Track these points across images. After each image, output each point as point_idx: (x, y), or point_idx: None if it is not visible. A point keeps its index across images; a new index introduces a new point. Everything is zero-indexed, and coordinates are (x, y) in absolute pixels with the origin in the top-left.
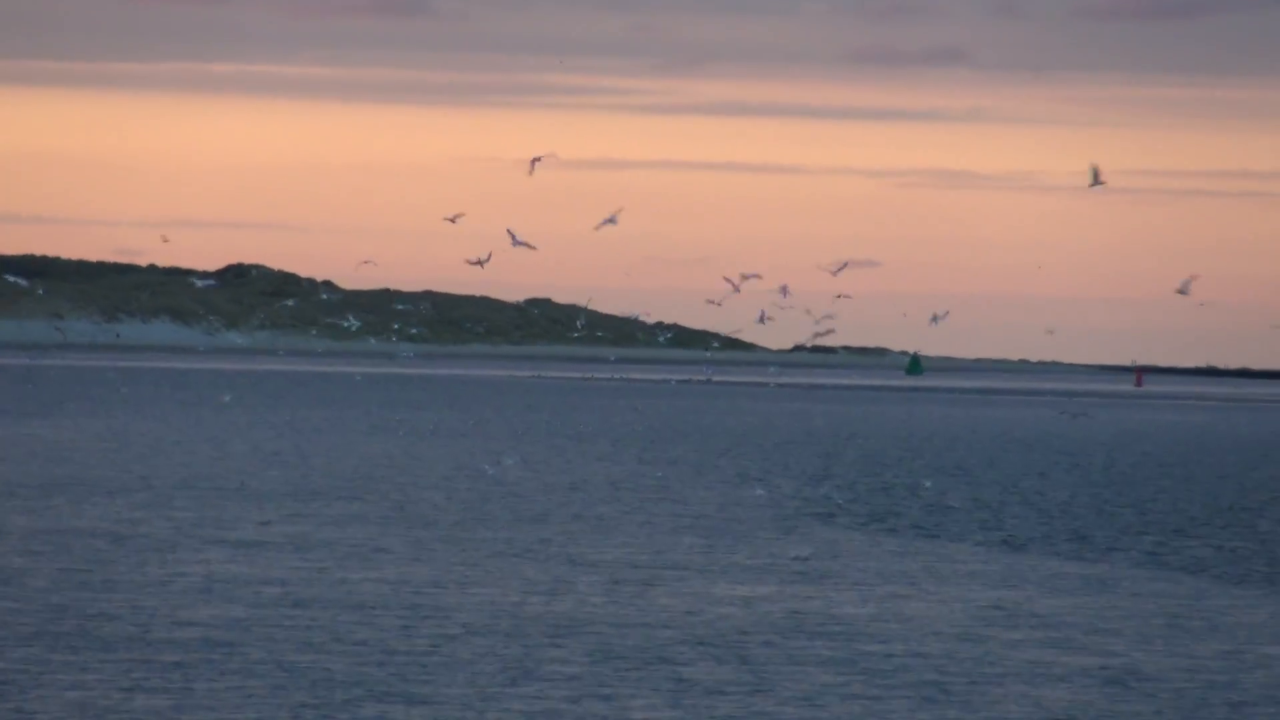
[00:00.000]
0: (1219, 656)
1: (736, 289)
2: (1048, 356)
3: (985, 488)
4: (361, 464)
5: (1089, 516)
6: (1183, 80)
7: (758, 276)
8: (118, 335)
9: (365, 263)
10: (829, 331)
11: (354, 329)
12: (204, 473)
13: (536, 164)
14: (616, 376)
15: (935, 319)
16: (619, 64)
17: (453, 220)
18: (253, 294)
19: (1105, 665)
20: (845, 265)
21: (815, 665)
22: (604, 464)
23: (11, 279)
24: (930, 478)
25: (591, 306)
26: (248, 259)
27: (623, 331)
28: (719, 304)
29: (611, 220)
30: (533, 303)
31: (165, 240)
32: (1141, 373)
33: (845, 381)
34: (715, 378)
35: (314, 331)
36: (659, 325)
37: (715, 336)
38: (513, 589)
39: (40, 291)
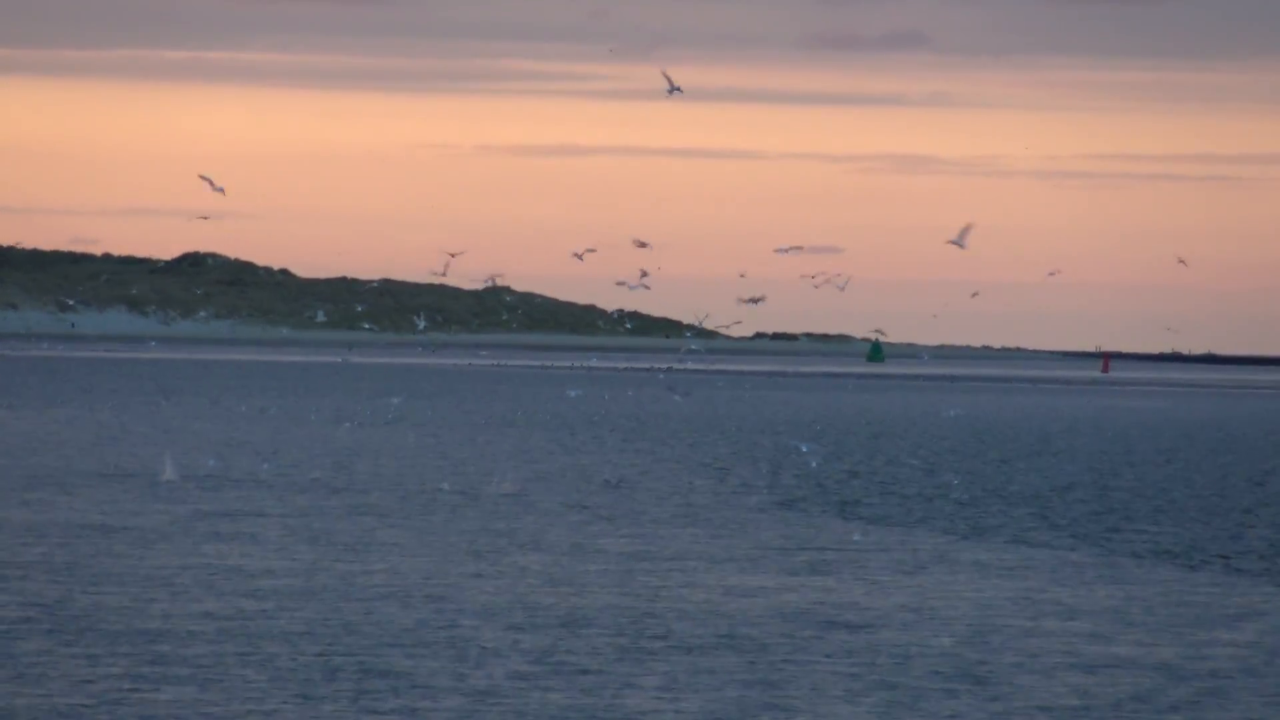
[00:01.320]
0: (1247, 646)
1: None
2: (1011, 343)
3: (975, 476)
4: (344, 454)
5: (1090, 503)
6: (1145, 64)
7: (763, 299)
8: (72, 325)
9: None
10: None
11: (319, 320)
12: (187, 463)
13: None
14: (577, 365)
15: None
16: (575, 50)
17: (452, 256)
18: (208, 283)
19: (1132, 656)
20: (798, 249)
21: (841, 656)
22: (583, 454)
23: None
24: (917, 466)
25: (551, 295)
26: (203, 248)
27: (583, 320)
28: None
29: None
30: (490, 291)
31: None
32: (1109, 358)
33: (807, 369)
34: (677, 366)
35: (272, 320)
36: (619, 313)
37: (673, 325)
38: (523, 579)
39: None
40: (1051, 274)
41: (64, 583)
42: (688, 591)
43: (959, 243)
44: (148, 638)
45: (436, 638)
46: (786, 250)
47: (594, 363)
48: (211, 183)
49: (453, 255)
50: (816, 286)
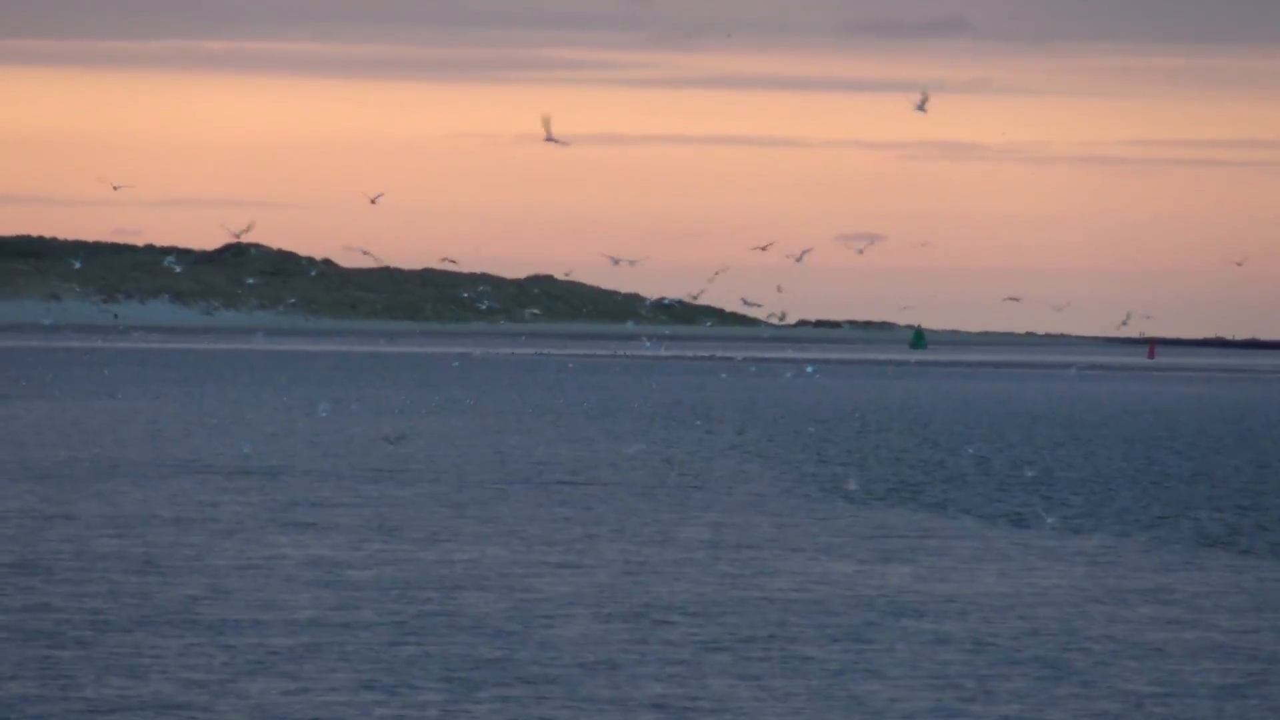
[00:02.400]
0: None
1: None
2: (1055, 329)
3: (1042, 465)
4: (405, 445)
5: (1153, 491)
6: (1187, 49)
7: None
8: (115, 316)
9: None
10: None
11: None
12: (258, 454)
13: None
14: (616, 353)
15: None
16: (615, 38)
17: (374, 201)
18: (251, 273)
19: (1220, 642)
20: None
21: (930, 643)
22: (634, 441)
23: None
24: (977, 453)
25: (592, 283)
26: (245, 238)
27: (625, 308)
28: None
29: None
30: (533, 279)
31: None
32: (1154, 345)
33: (849, 356)
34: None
35: (314, 311)
36: (659, 302)
37: (714, 313)
38: (605, 568)
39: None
40: (1239, 263)
41: (145, 574)
42: (770, 579)
43: (921, 106)
44: (235, 629)
45: (525, 628)
46: (764, 248)
47: (657, 350)
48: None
49: (373, 200)
50: (860, 251)
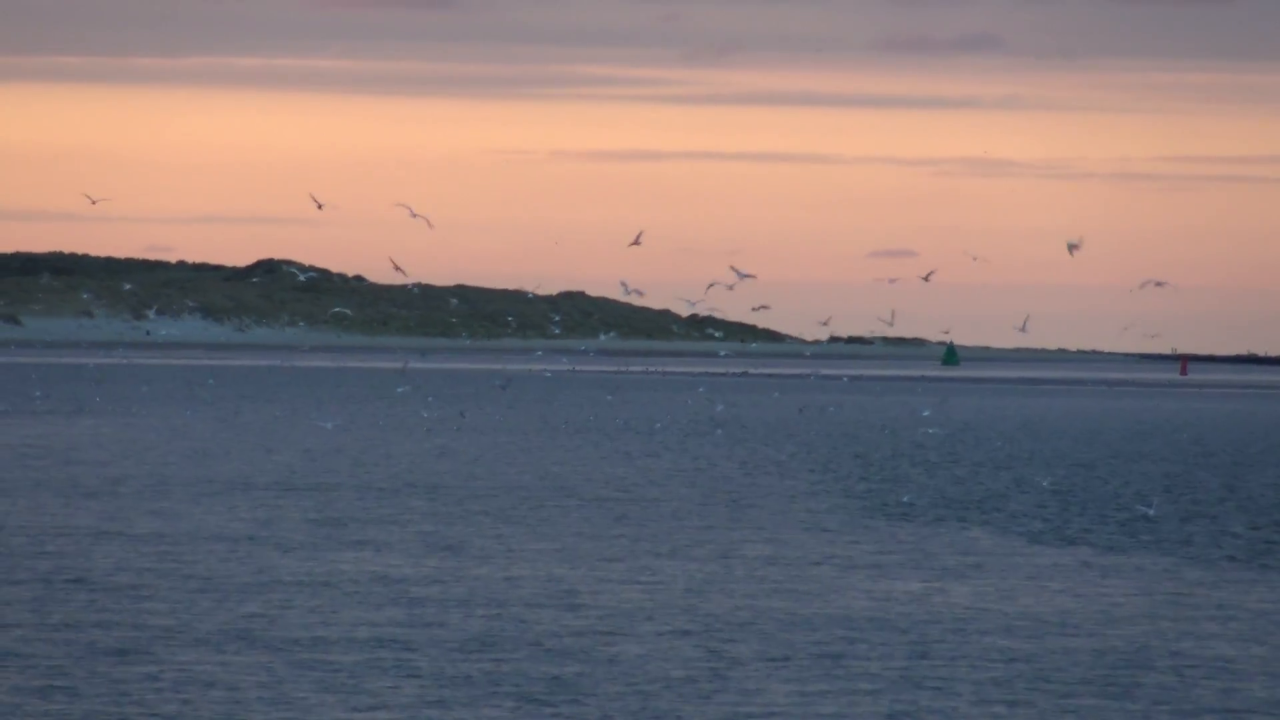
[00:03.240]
0: None
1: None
2: (1087, 345)
3: (1080, 482)
4: (449, 462)
5: (1195, 507)
6: (1219, 65)
7: (753, 276)
8: (147, 333)
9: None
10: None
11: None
12: (304, 471)
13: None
14: (651, 370)
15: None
16: (648, 54)
17: (319, 206)
18: (283, 289)
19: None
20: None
21: (1001, 660)
22: (673, 458)
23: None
24: (1031, 472)
25: (627, 300)
26: (278, 254)
27: (656, 324)
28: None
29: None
30: (565, 296)
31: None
32: (1186, 361)
33: (879, 373)
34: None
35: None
36: (692, 318)
37: (748, 330)
38: (667, 585)
39: (78, 290)
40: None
41: (208, 592)
42: (832, 596)
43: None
44: (301, 646)
45: (593, 644)
46: (743, 276)
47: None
48: (411, 210)
49: (320, 205)
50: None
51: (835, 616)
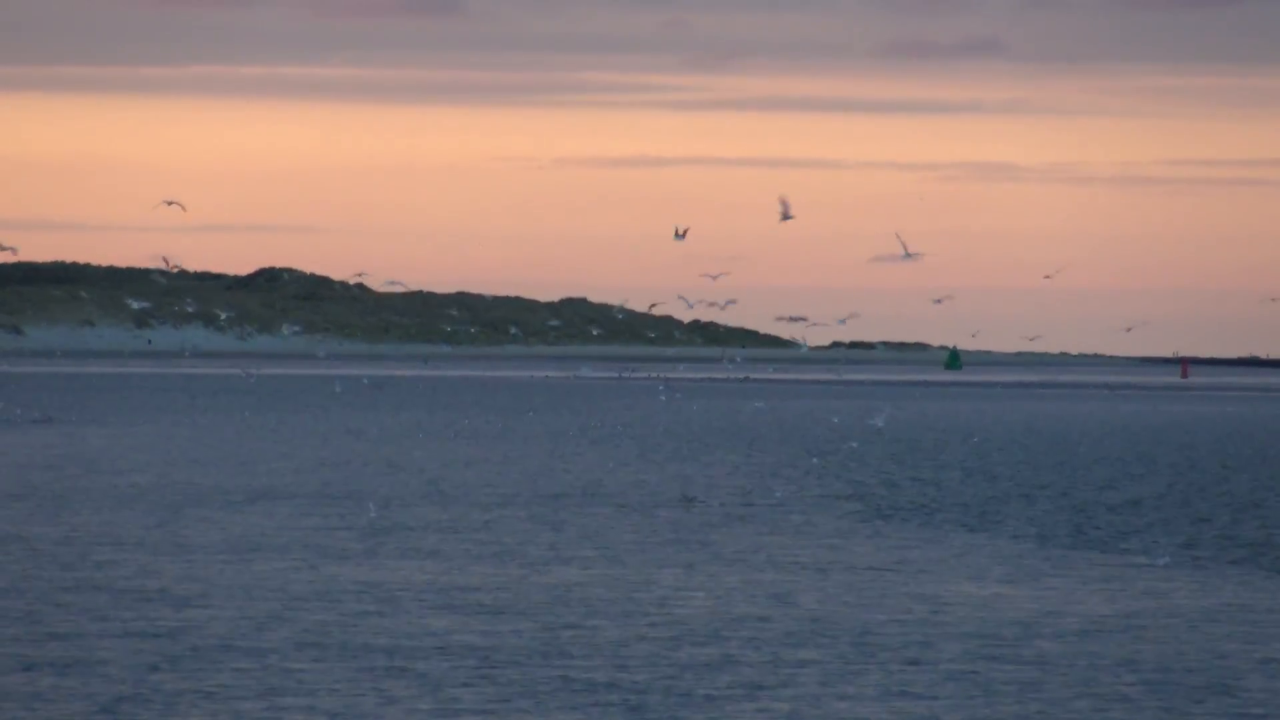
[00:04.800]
0: None
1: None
2: (1090, 349)
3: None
4: (482, 469)
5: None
6: (1224, 69)
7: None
8: (149, 342)
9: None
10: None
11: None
12: (337, 480)
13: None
14: (655, 375)
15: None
16: (651, 60)
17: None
18: (284, 298)
19: None
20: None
21: (1088, 664)
22: (694, 465)
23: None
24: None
25: (628, 306)
26: (279, 263)
27: (659, 330)
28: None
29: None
30: (567, 303)
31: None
32: (1187, 364)
33: (883, 377)
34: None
35: (350, 334)
36: (695, 324)
37: (749, 335)
38: (730, 592)
39: (80, 295)
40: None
41: (269, 600)
42: (894, 601)
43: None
44: (373, 653)
45: (658, 652)
46: (716, 277)
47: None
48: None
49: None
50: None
51: (899, 620)
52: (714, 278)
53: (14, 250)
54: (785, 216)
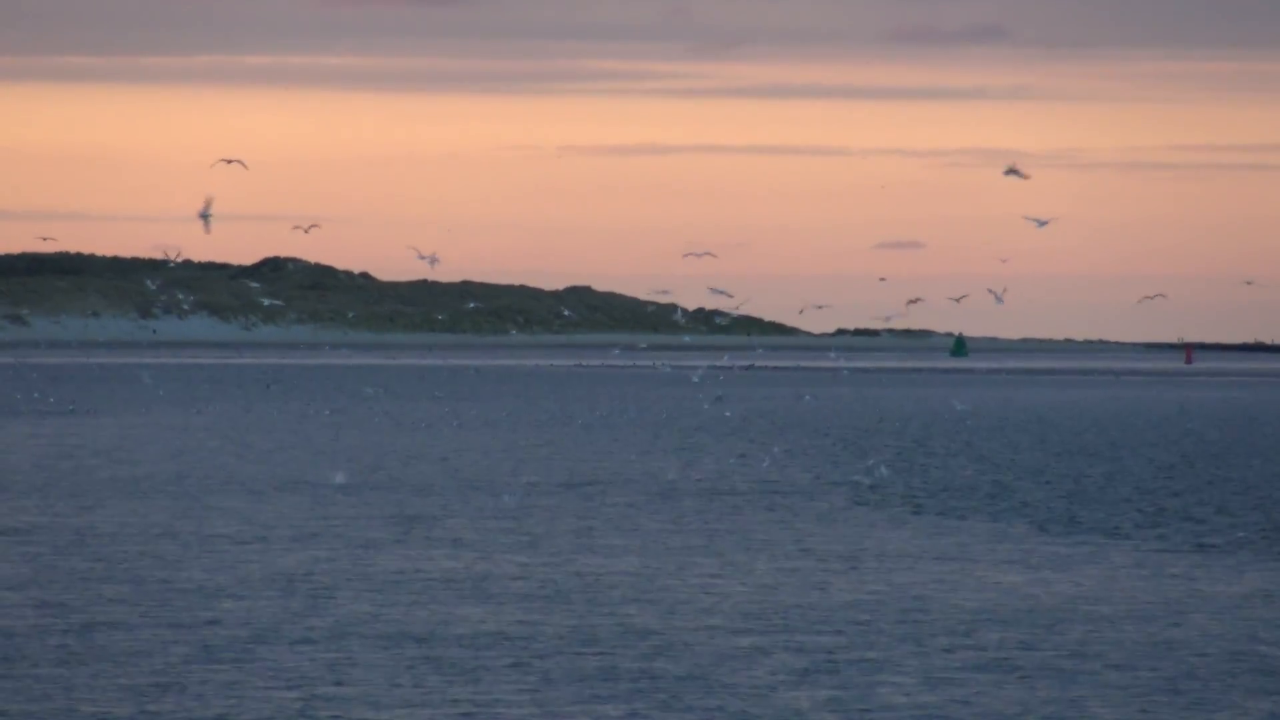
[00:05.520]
0: None
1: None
2: (1094, 335)
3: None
4: (488, 455)
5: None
6: (1228, 53)
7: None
8: (154, 332)
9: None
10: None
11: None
12: (357, 469)
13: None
14: (660, 363)
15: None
16: (655, 48)
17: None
18: (289, 287)
19: None
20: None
21: (1128, 649)
22: (705, 455)
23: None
24: (1088, 464)
25: (633, 295)
26: (284, 252)
27: (661, 318)
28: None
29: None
30: (571, 291)
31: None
32: (1191, 350)
33: (890, 365)
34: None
35: (352, 321)
36: (699, 311)
37: (754, 323)
38: (766, 578)
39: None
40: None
41: (299, 592)
42: (928, 589)
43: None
44: (410, 643)
45: (698, 640)
46: (700, 255)
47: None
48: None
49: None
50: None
51: (938, 607)
52: (698, 255)
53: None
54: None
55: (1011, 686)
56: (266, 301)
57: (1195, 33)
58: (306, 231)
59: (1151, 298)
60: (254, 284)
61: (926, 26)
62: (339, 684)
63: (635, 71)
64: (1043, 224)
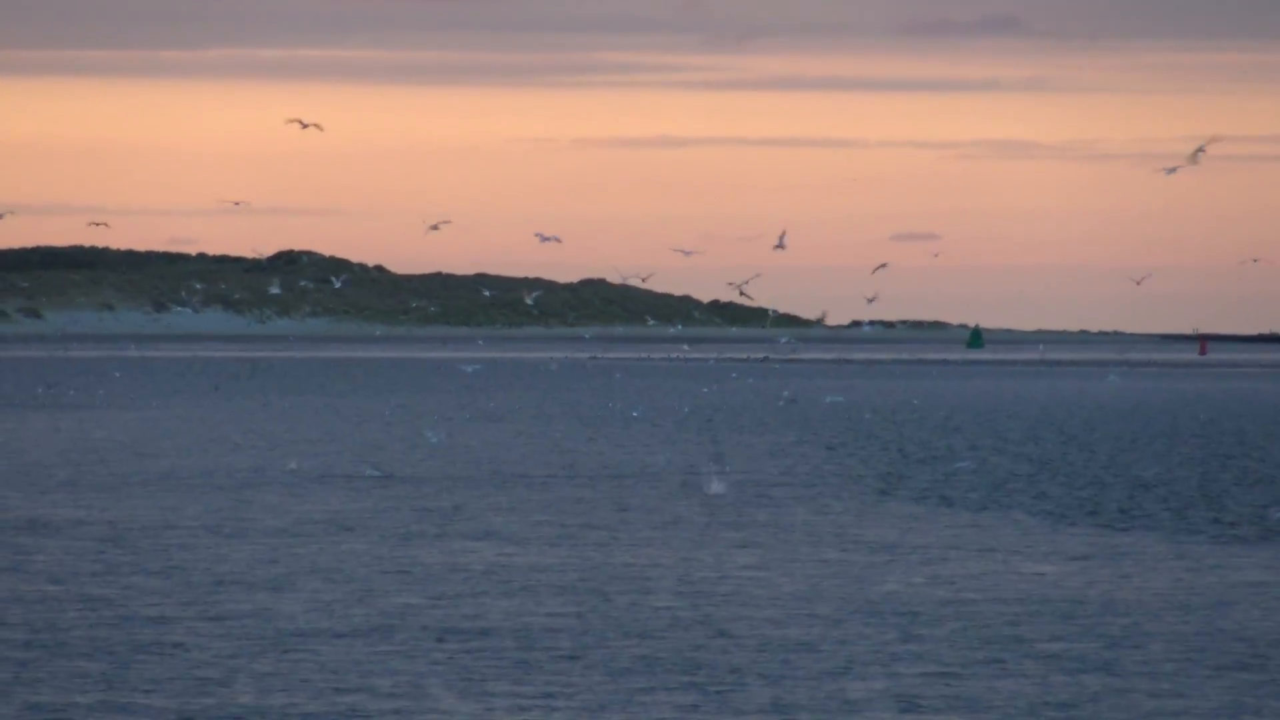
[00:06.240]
0: None
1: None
2: (1109, 326)
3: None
4: (514, 448)
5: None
6: (1242, 45)
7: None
8: (183, 310)
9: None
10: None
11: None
12: (388, 463)
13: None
14: (675, 356)
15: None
16: (669, 40)
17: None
18: (305, 280)
19: None
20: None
21: (1173, 641)
22: (744, 445)
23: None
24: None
25: (647, 286)
26: (298, 245)
27: (679, 310)
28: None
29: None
30: (586, 283)
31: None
32: (1205, 340)
33: (904, 356)
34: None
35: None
36: (714, 304)
37: (766, 314)
38: (815, 571)
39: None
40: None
41: (346, 584)
42: (969, 581)
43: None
44: (457, 635)
45: (741, 630)
46: (546, 239)
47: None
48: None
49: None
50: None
51: (980, 599)
52: (686, 254)
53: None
54: (779, 245)
55: (1060, 676)
56: (274, 290)
57: (1208, 24)
58: (436, 229)
59: (1139, 281)
60: (272, 288)
61: (940, 18)
62: (384, 677)
63: (649, 64)
64: (1171, 171)
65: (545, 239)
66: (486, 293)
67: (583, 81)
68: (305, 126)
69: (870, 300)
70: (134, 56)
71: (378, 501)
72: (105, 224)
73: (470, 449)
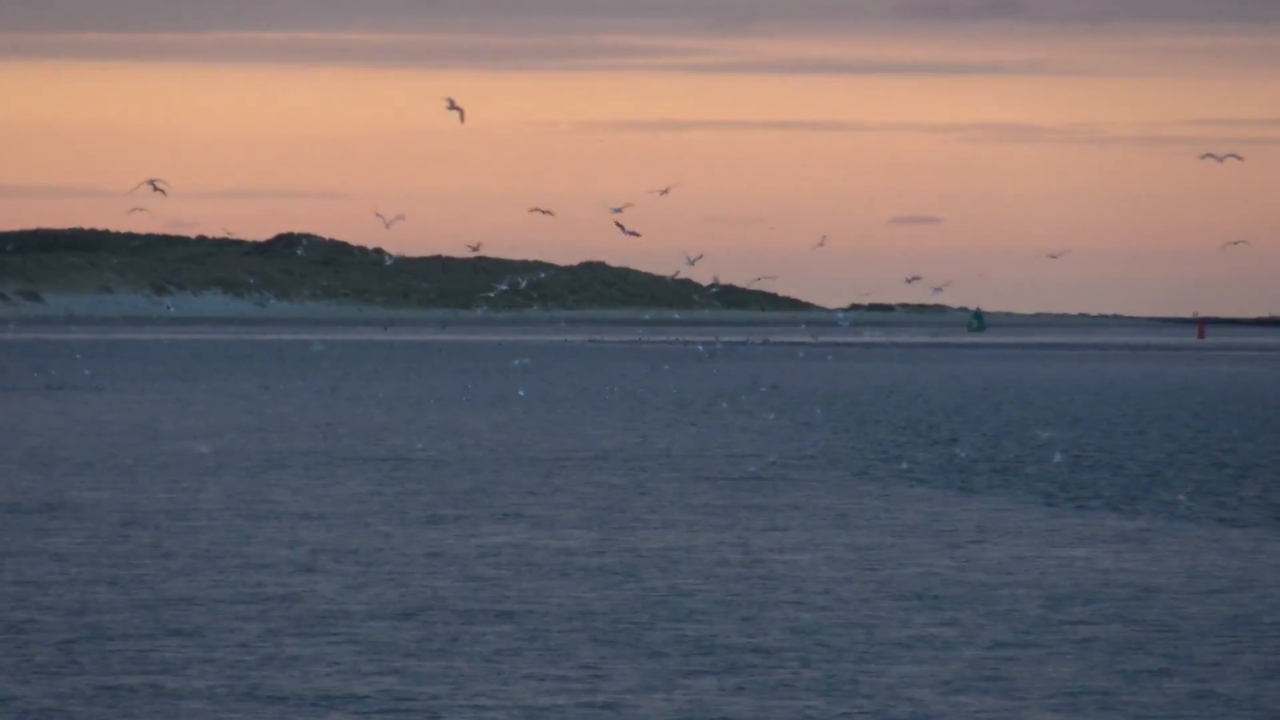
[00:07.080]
0: None
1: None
2: (1108, 310)
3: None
4: (533, 429)
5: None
6: (1244, 28)
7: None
8: (169, 308)
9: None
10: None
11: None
12: (406, 446)
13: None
14: (672, 339)
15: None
16: (671, 24)
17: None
18: (303, 264)
19: None
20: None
21: (1209, 624)
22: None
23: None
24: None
25: (646, 270)
26: (297, 229)
27: (678, 294)
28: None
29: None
30: (585, 266)
31: None
32: (1204, 324)
33: (906, 340)
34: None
35: (369, 299)
36: (713, 286)
37: (768, 298)
38: (847, 554)
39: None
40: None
41: (381, 566)
42: (1003, 564)
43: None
44: (491, 618)
45: (776, 614)
46: (664, 191)
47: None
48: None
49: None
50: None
51: (1025, 581)
52: (662, 192)
53: None
54: (453, 108)
55: (1099, 658)
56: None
57: (1212, 6)
58: (620, 214)
59: (1055, 255)
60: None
61: (942, 2)
62: (417, 658)
63: (652, 47)
64: (1222, 159)
65: (623, 229)
66: (476, 264)
67: (585, 64)
68: (454, 109)
69: (910, 281)
70: (136, 39)
71: (400, 485)
72: (163, 190)
73: (491, 429)
